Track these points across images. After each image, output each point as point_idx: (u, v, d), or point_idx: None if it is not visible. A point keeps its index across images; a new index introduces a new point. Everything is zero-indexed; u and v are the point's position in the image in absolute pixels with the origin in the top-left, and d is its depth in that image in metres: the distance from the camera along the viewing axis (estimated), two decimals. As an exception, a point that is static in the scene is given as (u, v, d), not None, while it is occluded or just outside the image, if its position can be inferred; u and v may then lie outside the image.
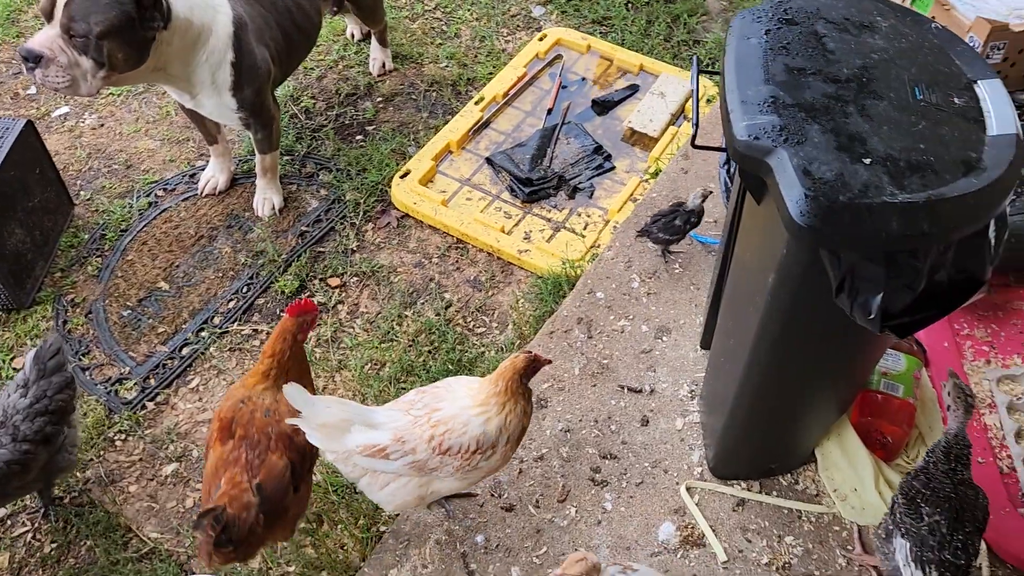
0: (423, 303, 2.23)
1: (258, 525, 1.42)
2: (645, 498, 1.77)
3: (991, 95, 1.31)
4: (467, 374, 2.04)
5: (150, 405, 2.01)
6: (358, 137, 2.65)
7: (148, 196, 2.47)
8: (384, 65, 2.84)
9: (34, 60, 1.86)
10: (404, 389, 2.01)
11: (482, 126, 2.66)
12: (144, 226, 2.39)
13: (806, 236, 1.14)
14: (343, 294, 2.25)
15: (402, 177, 2.47)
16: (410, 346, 2.12)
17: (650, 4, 3.11)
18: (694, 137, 1.38)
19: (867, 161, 1.18)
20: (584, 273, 2.16)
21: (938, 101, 1.28)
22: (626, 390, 1.94)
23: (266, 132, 2.26)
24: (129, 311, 2.19)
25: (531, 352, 1.51)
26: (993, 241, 1.26)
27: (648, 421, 1.89)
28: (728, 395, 1.61)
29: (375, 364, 2.09)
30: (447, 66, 2.88)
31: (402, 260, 2.33)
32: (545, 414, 1.91)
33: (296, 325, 1.56)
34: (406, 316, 2.19)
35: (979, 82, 1.33)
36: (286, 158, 2.57)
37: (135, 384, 2.04)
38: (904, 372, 1.79)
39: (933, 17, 2.52)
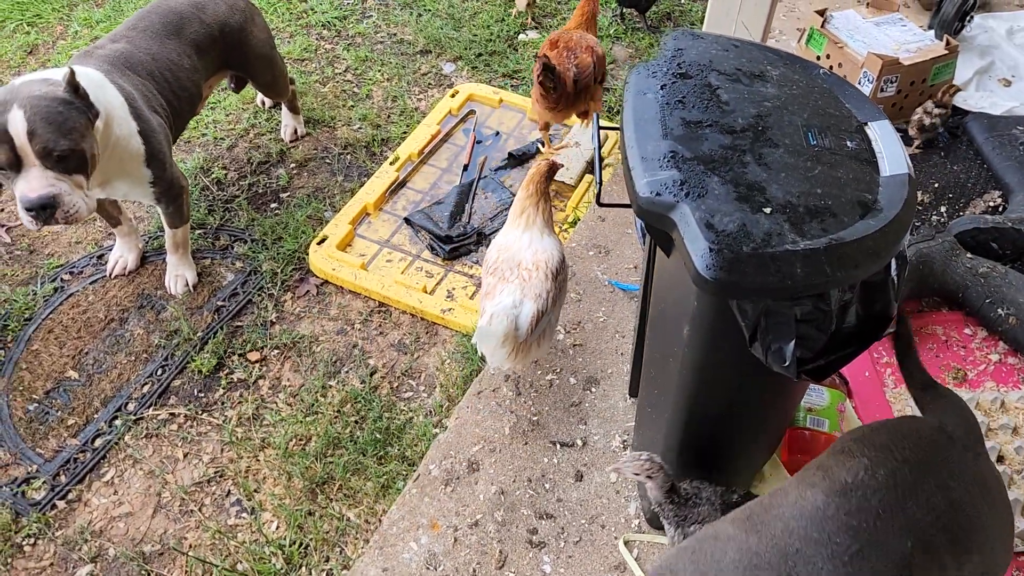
0: (347, 371, 2.17)
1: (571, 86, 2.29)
2: (584, 556, 1.73)
3: (881, 136, 1.35)
4: (396, 442, 2.00)
5: (61, 504, 1.90)
6: (272, 205, 2.60)
7: (53, 281, 2.37)
8: (296, 131, 2.81)
9: (49, 206, 1.78)
10: (331, 464, 1.95)
11: (399, 186, 2.64)
12: (50, 313, 2.28)
13: (713, 288, 1.14)
14: (264, 368, 2.18)
15: (319, 243, 2.42)
16: (336, 417, 2.06)
17: (558, 55, 3.16)
18: (598, 195, 1.38)
19: (767, 210, 1.19)
20: (508, 329, 2.14)
21: (831, 145, 1.31)
22: (558, 445, 1.92)
23: (176, 204, 2.20)
24: (35, 405, 2.08)
25: (549, 159, 1.94)
26: (895, 278, 1.28)
27: (583, 476, 1.87)
28: (656, 444, 1.60)
29: (300, 440, 2.02)
30: (360, 128, 2.87)
31: (324, 328, 2.28)
32: (478, 478, 1.87)
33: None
34: (330, 386, 2.13)
35: (869, 124, 1.37)
36: (199, 231, 2.50)
37: (44, 483, 1.92)
38: (828, 406, 1.81)
39: (828, 55, 2.62)
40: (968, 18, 2.93)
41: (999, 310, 2.03)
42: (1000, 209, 2.38)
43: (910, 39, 2.64)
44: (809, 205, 1.21)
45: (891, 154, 1.31)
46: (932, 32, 2.80)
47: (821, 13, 2.71)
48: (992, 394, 1.94)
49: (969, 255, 2.14)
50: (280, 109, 2.84)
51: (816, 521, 1.10)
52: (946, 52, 2.55)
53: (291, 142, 2.80)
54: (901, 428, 1.24)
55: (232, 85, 2.64)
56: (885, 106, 2.58)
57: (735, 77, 1.41)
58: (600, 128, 1.53)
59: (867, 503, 1.10)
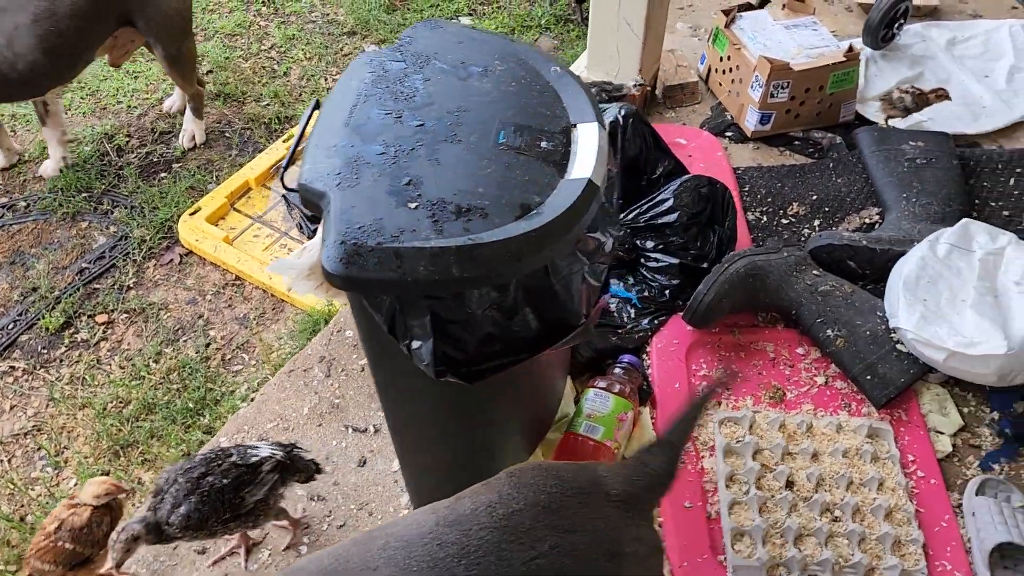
0: (186, 340, 2.22)
1: None
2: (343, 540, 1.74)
3: (584, 139, 1.31)
4: (208, 413, 2.03)
5: None
6: (163, 175, 2.67)
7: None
8: (195, 137, 2.77)
9: None
10: (140, 428, 2.00)
11: (289, 163, 2.66)
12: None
13: (335, 281, 1.13)
14: (108, 331, 2.25)
15: (192, 214, 2.47)
16: (160, 384, 2.11)
17: (487, 43, 3.14)
18: (282, 176, 1.38)
19: (413, 205, 1.18)
20: (338, 311, 2.16)
21: (522, 145, 1.28)
22: (350, 430, 1.92)
23: None
24: None
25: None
26: (565, 286, 1.25)
27: (366, 462, 1.87)
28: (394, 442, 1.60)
29: (120, 402, 2.07)
30: (268, 105, 2.90)
31: (176, 297, 2.33)
32: (264, 455, 1.89)
33: None
34: (165, 353, 2.18)
35: (579, 126, 1.33)
36: (83, 195, 2.58)
37: None
38: (609, 414, 1.77)
39: (729, 57, 2.55)
40: (898, 25, 2.79)
41: (828, 331, 1.95)
42: (875, 227, 2.28)
43: (816, 44, 2.54)
44: (462, 204, 1.18)
45: (582, 158, 1.27)
46: (839, 39, 2.69)
47: (727, 12, 2.62)
48: (802, 417, 1.87)
49: (816, 272, 2.06)
50: (184, 115, 2.80)
51: (409, 543, 1.05)
52: (844, 60, 2.45)
53: (188, 149, 2.77)
54: (556, 472, 1.16)
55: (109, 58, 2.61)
56: (779, 112, 2.50)
57: (453, 71, 1.38)
58: (314, 109, 1.46)
59: (466, 539, 1.04)
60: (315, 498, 1.81)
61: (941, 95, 2.55)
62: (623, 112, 2.12)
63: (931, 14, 3.08)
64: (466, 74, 1.38)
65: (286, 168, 1.26)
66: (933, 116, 2.57)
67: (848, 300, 2.00)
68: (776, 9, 2.71)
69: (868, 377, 1.88)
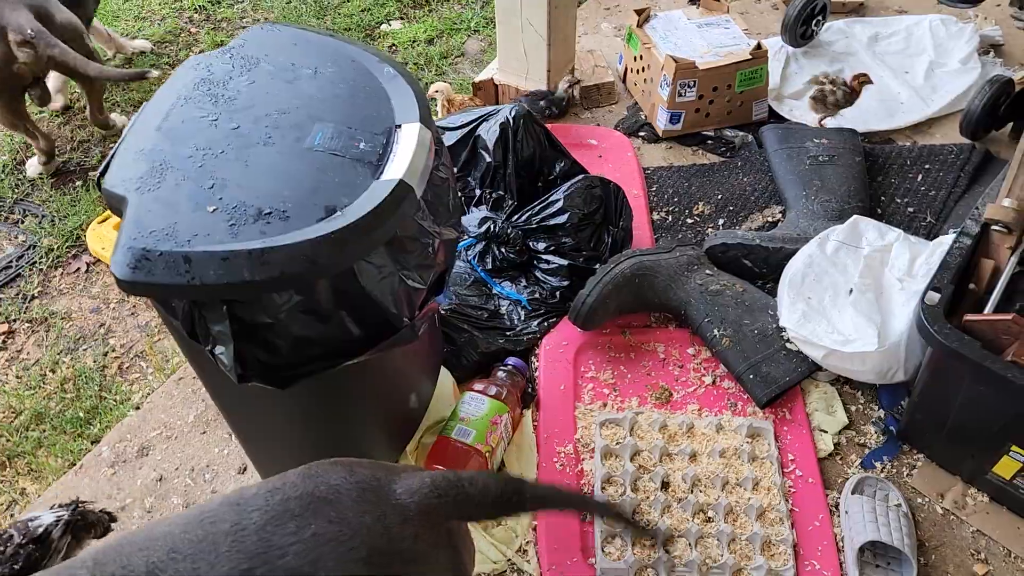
0: (86, 349, 2.21)
1: None
2: (215, 549, 1.73)
3: (403, 140, 1.30)
4: (98, 422, 2.02)
5: None
6: (77, 183, 2.66)
7: None
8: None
9: None
10: (28, 438, 1.99)
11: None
12: None
13: (122, 285, 1.12)
14: (8, 340, 2.24)
15: (100, 223, 2.46)
16: (54, 393, 2.10)
17: (415, 44, 3.14)
18: (98, 181, 1.35)
19: (211, 208, 1.17)
20: (233, 318, 2.14)
21: (338, 147, 1.27)
22: (233, 437, 1.91)
23: None
24: None
25: None
26: (380, 289, 1.23)
27: (246, 469, 1.86)
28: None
29: (12, 412, 2.07)
30: (189, 111, 2.90)
31: (80, 306, 2.32)
32: (144, 463, 1.88)
33: None
34: (64, 362, 2.18)
35: (403, 127, 1.32)
36: (-5, 205, 2.58)
37: None
38: (482, 417, 1.76)
39: (640, 56, 2.54)
40: (816, 22, 2.78)
41: (716, 330, 1.93)
42: (777, 225, 2.26)
43: (726, 43, 2.53)
44: (264, 207, 1.17)
45: (397, 159, 1.26)
46: (762, 37, 2.67)
47: (640, 12, 2.61)
48: (683, 417, 1.86)
49: (709, 271, 2.04)
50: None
51: (189, 520, 1.04)
52: (751, 58, 2.43)
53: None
54: (349, 467, 1.14)
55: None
56: (688, 111, 2.48)
57: (280, 73, 1.37)
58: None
59: (239, 518, 1.04)
60: (188, 505, 1.80)
61: (863, 80, 2.51)
62: (513, 113, 2.11)
63: (856, 10, 3.06)
64: (294, 76, 1.37)
65: (102, 173, 1.25)
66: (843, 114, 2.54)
67: (738, 299, 1.99)
68: (691, 8, 2.70)
69: (751, 376, 1.87)
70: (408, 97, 1.37)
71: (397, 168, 1.25)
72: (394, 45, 3.14)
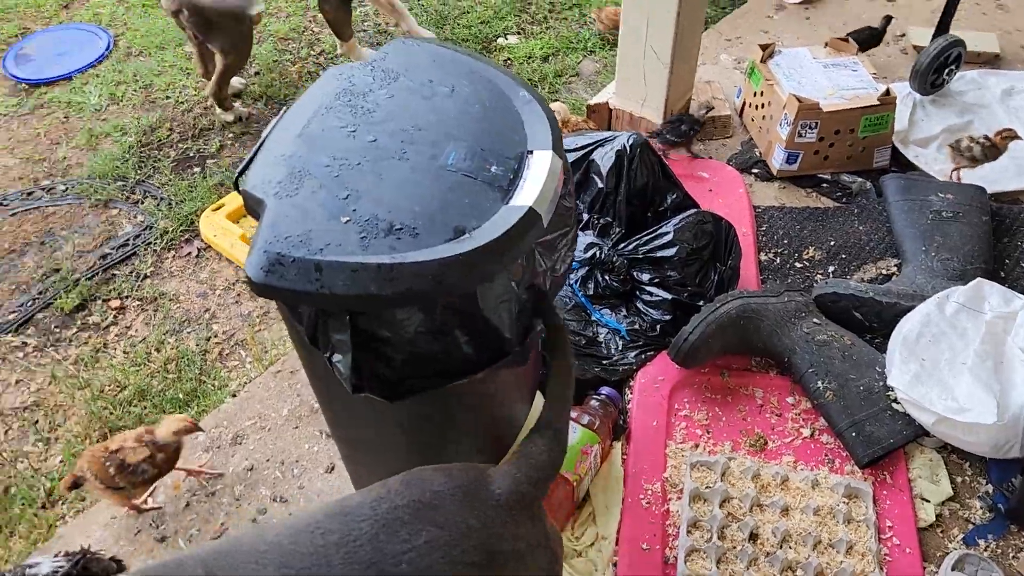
0: (189, 332, 2.28)
1: None
2: (298, 545, 1.75)
3: (535, 167, 1.29)
4: (196, 404, 2.08)
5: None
6: (196, 169, 2.75)
7: (-18, 210, 2.62)
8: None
9: None
10: (130, 413, 2.06)
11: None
12: (-36, 239, 2.53)
13: (255, 288, 1.14)
14: (119, 316, 2.33)
15: (215, 210, 2.54)
16: (158, 372, 2.17)
17: (531, 60, 3.15)
18: (236, 181, 1.39)
19: (345, 219, 1.18)
20: (333, 317, 2.18)
21: (470, 168, 1.27)
22: (324, 435, 1.94)
23: None
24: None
25: None
26: (496, 313, 1.23)
27: (334, 468, 1.89)
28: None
29: (117, 386, 2.14)
30: (306, 108, 2.97)
31: (188, 289, 2.39)
32: (237, 451, 1.92)
33: None
34: (168, 343, 2.25)
35: (535, 153, 1.32)
36: (119, 183, 2.69)
37: None
38: (573, 445, 1.74)
39: (762, 92, 2.49)
40: (948, 71, 2.68)
41: (820, 382, 1.87)
42: (892, 278, 2.19)
43: (853, 85, 2.46)
44: (395, 222, 1.18)
45: (528, 186, 1.26)
46: (890, 81, 2.59)
47: (764, 48, 2.56)
48: (778, 468, 1.80)
49: (817, 320, 1.98)
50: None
51: (296, 531, 1.06)
52: (878, 103, 2.36)
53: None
54: (447, 471, 1.15)
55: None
56: (807, 152, 2.42)
57: (418, 89, 1.39)
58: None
59: (348, 529, 1.05)
60: (278, 499, 1.83)
61: (1009, 135, 2.37)
62: (631, 141, 2.09)
63: (991, 61, 2.94)
64: (431, 93, 1.38)
65: (241, 172, 1.28)
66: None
67: (846, 352, 1.92)
68: (818, 48, 2.64)
69: (854, 434, 1.80)
70: (542, 123, 1.36)
71: (527, 195, 1.24)
72: (509, 59, 3.16)
